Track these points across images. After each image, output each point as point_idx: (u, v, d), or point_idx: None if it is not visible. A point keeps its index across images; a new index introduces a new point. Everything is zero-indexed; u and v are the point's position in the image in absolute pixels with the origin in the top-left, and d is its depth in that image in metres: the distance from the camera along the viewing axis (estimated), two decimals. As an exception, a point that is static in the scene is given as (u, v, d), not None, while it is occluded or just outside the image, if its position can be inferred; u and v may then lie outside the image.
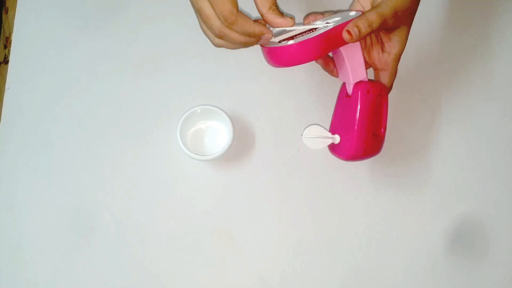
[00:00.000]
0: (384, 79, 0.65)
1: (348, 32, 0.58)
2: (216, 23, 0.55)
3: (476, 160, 0.77)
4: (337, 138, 0.69)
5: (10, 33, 0.78)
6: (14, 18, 0.78)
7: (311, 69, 0.77)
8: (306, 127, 0.71)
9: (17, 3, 0.79)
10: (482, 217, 0.75)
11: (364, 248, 0.74)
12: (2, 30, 0.80)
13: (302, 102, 0.77)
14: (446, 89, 0.79)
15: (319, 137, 0.68)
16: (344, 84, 0.68)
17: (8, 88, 0.76)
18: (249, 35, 0.56)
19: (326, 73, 0.73)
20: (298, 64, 0.59)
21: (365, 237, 0.74)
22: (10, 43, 0.78)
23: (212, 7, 0.55)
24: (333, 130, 0.72)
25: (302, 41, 0.57)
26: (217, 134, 0.74)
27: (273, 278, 0.72)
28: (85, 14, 0.79)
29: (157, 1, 0.80)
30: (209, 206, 0.74)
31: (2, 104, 0.75)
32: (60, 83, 0.77)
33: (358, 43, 0.63)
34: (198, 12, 0.57)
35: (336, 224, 0.74)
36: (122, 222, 0.73)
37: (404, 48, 0.63)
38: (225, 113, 0.70)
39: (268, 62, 0.62)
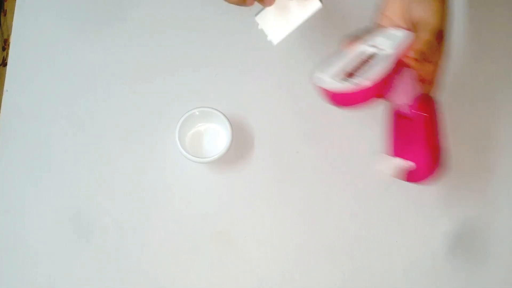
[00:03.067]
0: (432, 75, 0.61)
1: (416, 59, 0.57)
2: None
3: (476, 162, 0.77)
4: (412, 165, 0.62)
5: (9, 36, 0.78)
6: (12, 21, 0.78)
7: (311, 70, 0.77)
8: (384, 158, 0.64)
9: (16, 6, 0.79)
10: (483, 219, 0.75)
11: (364, 251, 0.74)
12: (0, 33, 0.80)
13: (301, 104, 0.77)
14: (446, 89, 0.78)
15: (390, 167, 0.62)
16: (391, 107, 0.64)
17: (7, 90, 0.76)
18: None
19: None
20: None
21: (364, 240, 0.74)
22: (8, 45, 0.78)
23: None
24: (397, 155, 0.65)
25: (380, 78, 0.54)
26: (216, 136, 0.74)
27: (273, 281, 0.72)
28: (83, 17, 0.80)
29: (156, 4, 0.80)
30: (208, 209, 0.74)
31: (0, 106, 0.75)
32: (58, 85, 0.77)
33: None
34: None
35: (335, 226, 0.74)
36: (122, 224, 0.73)
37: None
38: (224, 115, 0.70)
39: (336, 105, 0.57)
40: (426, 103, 0.61)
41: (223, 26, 0.79)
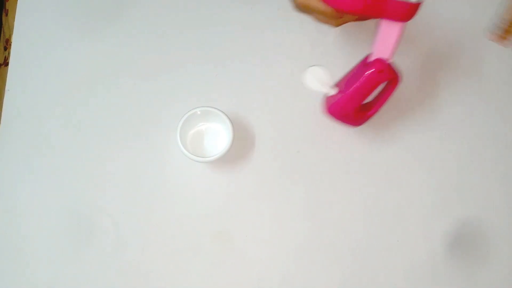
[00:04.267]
0: None
1: None
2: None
3: (476, 162, 0.77)
4: (333, 91, 0.69)
5: (10, 35, 0.78)
6: (14, 21, 0.78)
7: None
8: (313, 66, 0.69)
9: (17, 6, 0.79)
10: (482, 219, 0.75)
11: (364, 250, 0.73)
12: (2, 33, 0.80)
13: (302, 104, 0.77)
14: (446, 90, 0.79)
15: (321, 81, 0.66)
16: (369, 54, 0.68)
17: (8, 90, 0.76)
18: None
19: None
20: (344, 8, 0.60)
21: (365, 239, 0.74)
22: (10, 45, 0.78)
23: None
24: (337, 84, 0.71)
25: None
26: (217, 136, 0.73)
27: (273, 280, 0.72)
28: (85, 17, 0.79)
29: (157, 4, 0.80)
30: (209, 208, 0.74)
31: (2, 106, 0.75)
32: (60, 85, 0.77)
33: (400, 27, 0.63)
34: None
35: (336, 226, 0.74)
36: (122, 224, 0.73)
37: None
38: (225, 114, 0.70)
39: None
40: (388, 70, 0.65)
41: (225, 25, 0.79)
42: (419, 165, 0.77)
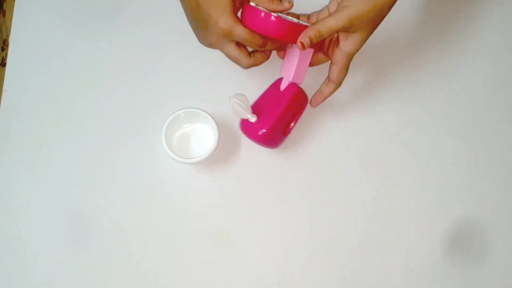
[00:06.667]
0: (333, 73, 0.66)
1: (302, 44, 0.61)
2: (243, 62, 0.65)
3: (475, 162, 0.76)
4: (253, 118, 0.70)
5: (8, 36, 0.79)
6: (11, 21, 0.79)
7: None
8: (238, 94, 0.70)
9: (15, 6, 0.80)
10: (481, 219, 0.74)
11: (363, 250, 0.73)
12: None
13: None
14: (445, 90, 0.78)
15: (244, 108, 0.68)
16: (280, 79, 0.72)
17: (6, 90, 0.77)
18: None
19: (317, 78, 0.71)
20: (263, 32, 0.63)
21: (363, 239, 0.73)
22: (7, 45, 0.79)
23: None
24: (253, 110, 0.72)
25: (276, 16, 0.62)
26: (203, 137, 0.73)
27: (272, 280, 0.72)
28: (81, 17, 0.80)
29: (153, 4, 0.80)
30: (203, 209, 0.74)
31: (-1, 106, 0.77)
32: (57, 85, 0.78)
33: (312, 50, 0.69)
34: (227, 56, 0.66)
35: (335, 225, 0.73)
36: (120, 225, 0.73)
37: (357, 49, 0.64)
38: (210, 115, 0.69)
39: (243, 20, 0.65)
40: (301, 94, 0.71)
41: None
42: (418, 164, 0.76)
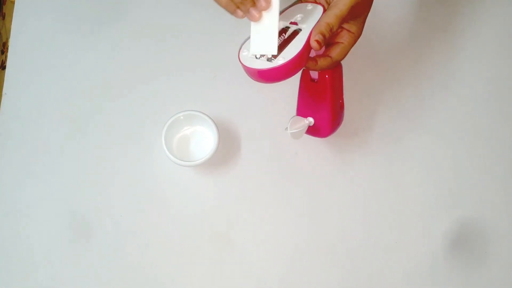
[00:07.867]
0: (335, 50, 0.65)
1: (317, 41, 0.60)
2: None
3: (475, 163, 0.76)
4: (312, 121, 0.70)
5: (7, 39, 0.80)
6: (11, 24, 0.80)
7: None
8: (290, 121, 0.69)
9: (14, 9, 0.80)
10: (481, 220, 0.74)
11: (363, 252, 0.73)
12: (-1, 36, 0.82)
13: (288, 104, 0.76)
14: (444, 90, 0.78)
15: (301, 127, 0.68)
16: (304, 71, 0.70)
17: (5, 93, 0.77)
18: None
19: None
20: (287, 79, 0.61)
21: (363, 240, 0.73)
22: (7, 48, 0.79)
23: None
24: (303, 115, 0.72)
25: (292, 59, 0.59)
26: (203, 139, 0.73)
27: (272, 281, 0.72)
28: (81, 20, 0.80)
29: (154, 7, 0.80)
30: (203, 211, 0.74)
31: (-1, 109, 0.77)
32: (56, 88, 0.78)
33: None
34: None
35: (334, 227, 0.73)
36: (120, 227, 0.73)
37: (361, 31, 0.64)
38: (210, 117, 0.69)
39: (255, 80, 0.62)
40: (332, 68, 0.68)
41: (225, 30, 0.78)
42: (418, 165, 0.76)
